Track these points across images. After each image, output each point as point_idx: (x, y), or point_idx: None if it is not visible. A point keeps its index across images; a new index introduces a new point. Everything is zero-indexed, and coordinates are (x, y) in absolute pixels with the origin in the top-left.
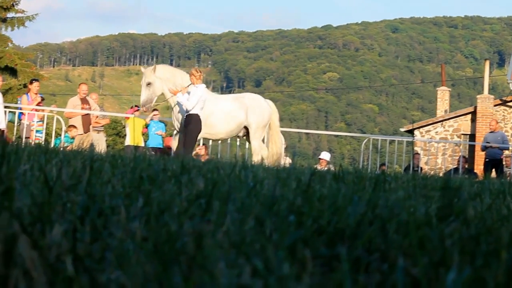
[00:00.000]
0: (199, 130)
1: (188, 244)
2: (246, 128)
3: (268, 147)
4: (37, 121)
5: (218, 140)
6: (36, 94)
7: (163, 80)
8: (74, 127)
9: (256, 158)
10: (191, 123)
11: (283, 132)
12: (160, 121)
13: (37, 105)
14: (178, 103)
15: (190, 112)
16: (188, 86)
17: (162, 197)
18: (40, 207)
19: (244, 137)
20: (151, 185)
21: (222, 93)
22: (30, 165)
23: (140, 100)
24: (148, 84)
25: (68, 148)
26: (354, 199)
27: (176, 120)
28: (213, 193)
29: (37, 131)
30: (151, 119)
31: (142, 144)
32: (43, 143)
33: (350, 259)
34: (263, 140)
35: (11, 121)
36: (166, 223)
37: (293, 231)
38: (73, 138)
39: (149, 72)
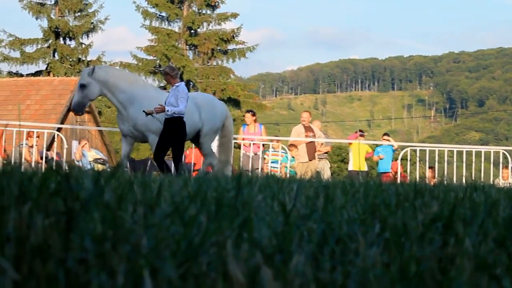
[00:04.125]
0: (186, 135)
1: (431, 268)
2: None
3: (218, 154)
4: (273, 151)
5: None
6: (248, 125)
7: (103, 84)
8: (295, 146)
9: (205, 164)
10: (176, 128)
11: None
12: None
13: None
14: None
15: (173, 115)
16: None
17: (397, 222)
18: (279, 237)
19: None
20: (386, 210)
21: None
22: (263, 195)
23: (72, 102)
24: (82, 86)
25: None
26: None
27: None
28: (452, 216)
29: (272, 161)
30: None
31: (365, 169)
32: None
33: None
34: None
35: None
36: (409, 247)
37: None
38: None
39: (85, 74)
